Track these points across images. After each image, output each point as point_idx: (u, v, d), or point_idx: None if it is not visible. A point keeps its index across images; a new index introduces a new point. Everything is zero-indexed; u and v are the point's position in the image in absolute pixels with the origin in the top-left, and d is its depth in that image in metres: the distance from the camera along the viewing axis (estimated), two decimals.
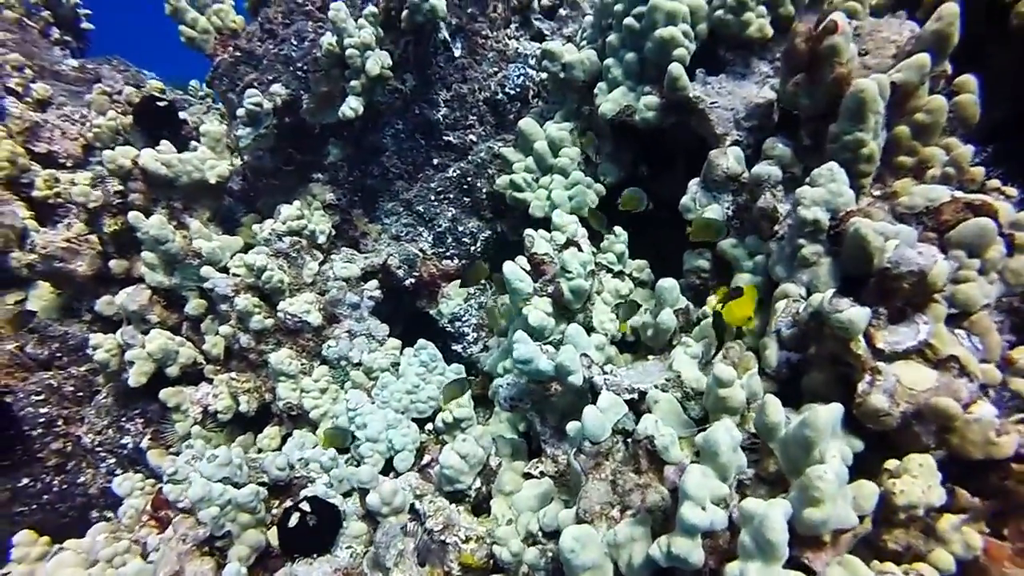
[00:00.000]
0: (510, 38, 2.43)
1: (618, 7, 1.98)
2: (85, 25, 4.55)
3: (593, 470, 1.44)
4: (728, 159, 1.78)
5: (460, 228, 2.38)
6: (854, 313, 1.32)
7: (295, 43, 2.22)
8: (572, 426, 1.46)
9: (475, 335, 2.29)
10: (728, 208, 1.80)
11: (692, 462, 1.36)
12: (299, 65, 2.22)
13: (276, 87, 2.22)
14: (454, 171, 2.37)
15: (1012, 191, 1.62)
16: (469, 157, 2.36)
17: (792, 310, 1.55)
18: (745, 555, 1.14)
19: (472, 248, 2.40)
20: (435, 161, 2.38)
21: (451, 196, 2.38)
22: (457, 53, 2.32)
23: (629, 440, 1.45)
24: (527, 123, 2.15)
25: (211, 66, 2.39)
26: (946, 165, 1.66)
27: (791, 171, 1.76)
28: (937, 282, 1.34)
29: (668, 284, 1.73)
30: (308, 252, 2.23)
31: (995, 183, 1.63)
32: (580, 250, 1.81)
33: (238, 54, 2.30)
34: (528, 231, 1.90)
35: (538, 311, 1.78)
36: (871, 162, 1.61)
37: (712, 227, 1.75)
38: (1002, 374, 1.48)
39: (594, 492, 1.41)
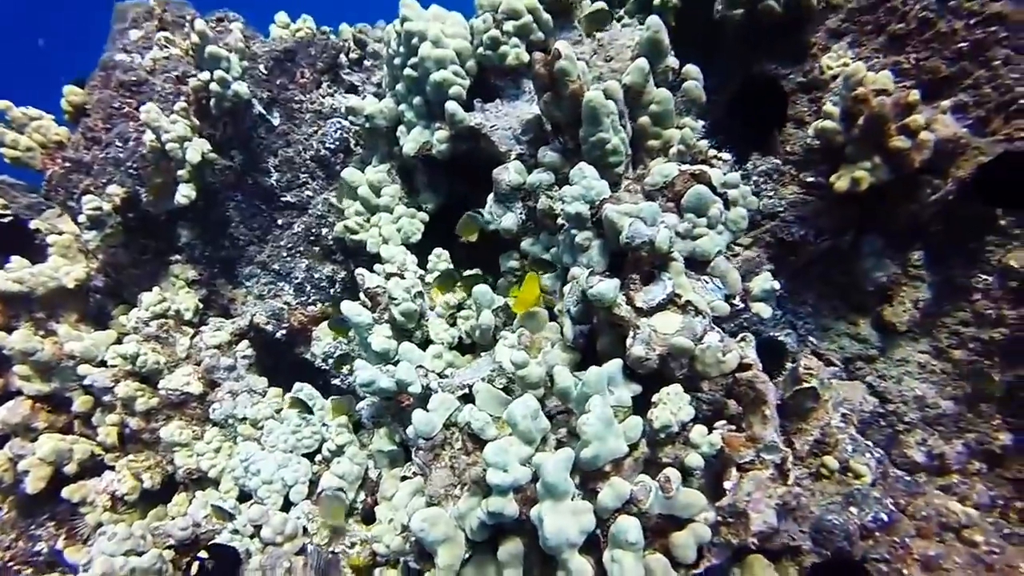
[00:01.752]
0: (324, 96, 2.68)
1: (397, 60, 2.27)
2: None
3: (433, 461, 1.71)
4: (509, 173, 2.08)
5: (316, 275, 2.61)
6: (602, 287, 1.64)
7: (120, 145, 2.40)
8: (409, 430, 1.73)
9: (348, 367, 2.53)
10: (521, 214, 2.11)
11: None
12: (129, 164, 2.40)
13: (112, 188, 2.39)
14: (299, 226, 2.60)
15: (726, 155, 1.99)
16: (309, 211, 2.60)
17: (575, 289, 1.87)
18: (540, 498, 1.44)
19: (332, 290, 2.64)
20: (279, 221, 2.61)
21: (301, 249, 2.61)
22: (276, 122, 2.55)
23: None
24: (348, 173, 2.41)
25: (43, 179, 2.53)
26: (680, 143, 2.02)
27: (563, 172, 2.08)
28: (663, 246, 1.67)
29: (481, 290, 2.03)
30: (177, 330, 2.41)
31: (713, 152, 1.99)
32: (403, 278, 2.08)
33: (68, 164, 2.45)
34: (358, 270, 2.16)
35: (379, 337, 2.04)
36: (617, 154, 1.95)
37: (471, 225, 2.09)
38: (743, 303, 1.86)
39: (438, 479, 1.69)
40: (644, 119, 2.09)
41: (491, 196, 2.15)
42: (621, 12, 2.61)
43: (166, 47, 2.49)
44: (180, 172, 2.28)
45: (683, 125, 2.13)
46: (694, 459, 1.53)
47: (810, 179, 2.17)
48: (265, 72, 2.55)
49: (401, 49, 2.22)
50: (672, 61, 2.18)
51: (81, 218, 2.37)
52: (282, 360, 2.65)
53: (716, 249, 1.82)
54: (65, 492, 2.31)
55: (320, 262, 2.63)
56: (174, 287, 2.57)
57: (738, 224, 1.87)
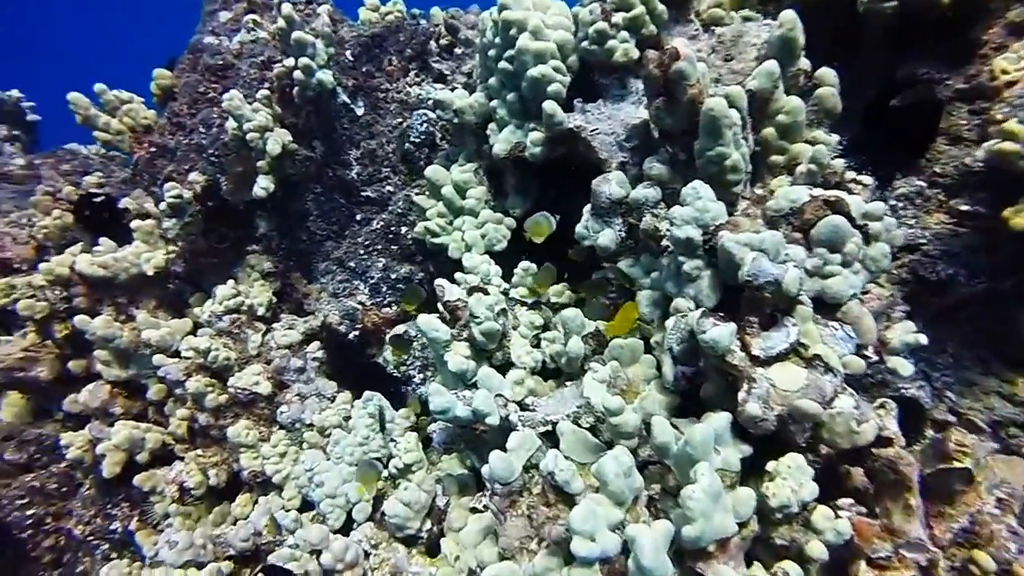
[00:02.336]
0: (410, 85, 2.52)
1: (492, 52, 2.07)
2: (31, 117, 4.70)
3: (509, 508, 1.54)
4: (611, 185, 1.86)
5: (393, 276, 2.49)
6: (717, 333, 1.41)
7: (203, 131, 2.33)
8: (484, 470, 1.57)
9: (421, 376, 2.40)
10: (620, 231, 1.89)
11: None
12: (211, 151, 2.33)
13: (194, 175, 2.33)
14: (377, 223, 2.47)
15: (867, 179, 1.70)
16: (389, 207, 2.46)
17: (681, 326, 1.64)
18: None
19: None
20: (358, 217, 2.49)
21: (379, 247, 2.48)
22: (360, 112, 2.41)
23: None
24: (432, 171, 2.25)
25: (131, 163, 2.51)
26: (810, 161, 1.74)
27: (672, 186, 1.84)
28: (792, 289, 1.43)
29: (571, 314, 1.83)
30: (249, 326, 2.35)
31: (851, 175, 1.70)
32: (486, 293, 1.91)
33: (153, 149, 2.41)
34: (438, 281, 2.00)
35: (457, 356, 1.88)
36: (737, 171, 1.70)
37: (542, 227, 1.97)
38: (876, 355, 1.59)
39: (512, 528, 1.52)
40: (769, 130, 1.82)
41: (587, 208, 1.94)
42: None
43: (254, 30, 2.39)
44: (260, 163, 2.19)
45: (814, 139, 1.84)
46: (816, 548, 1.29)
47: (964, 207, 1.83)
48: (351, 59, 2.41)
49: (497, 40, 2.02)
50: (804, 63, 1.89)
51: (162, 205, 2.33)
52: (352, 361, 2.55)
53: (850, 292, 1.55)
54: (136, 480, 2.31)
55: (398, 262, 2.50)
56: (249, 278, 2.51)
57: (879, 263, 1.59)
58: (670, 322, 1.67)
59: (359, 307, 2.49)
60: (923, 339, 1.59)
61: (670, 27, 2.10)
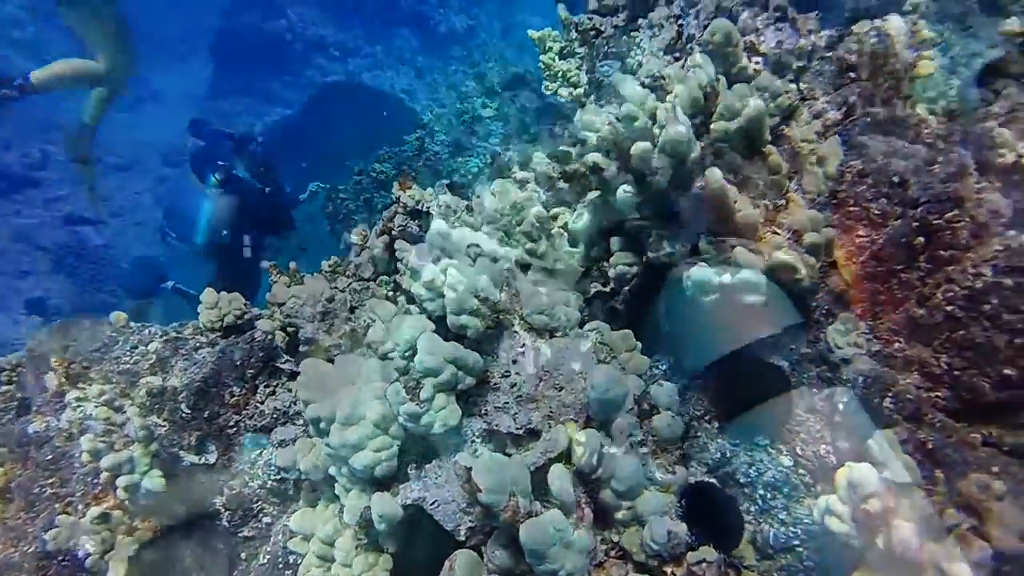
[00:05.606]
0: (261, 402, 2.39)
1: (310, 434, 1.94)
2: None
3: None
4: None
5: None
6: None
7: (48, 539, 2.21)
8: None
9: None
10: None
11: None
12: (60, 558, 2.21)
13: None
14: (264, 556, 2.37)
15: (711, 554, 1.58)
16: (271, 539, 2.36)
17: None
18: None
19: None
20: (243, 555, 2.39)
21: None
22: (212, 460, 2.29)
23: None
24: (297, 523, 2.13)
25: None
26: (651, 539, 1.63)
27: (519, 571, 1.74)
28: None
29: None
30: None
31: (692, 557, 1.59)
32: None
33: None
34: None
35: None
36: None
37: None
38: None
39: None
40: (607, 494, 1.71)
41: None
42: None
43: (79, 406, 2.25)
44: None
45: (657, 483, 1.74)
46: None
47: None
48: (189, 411, 2.27)
49: (310, 430, 1.89)
50: (633, 388, 1.78)
51: None
52: None
53: None
54: None
55: None
56: None
57: None
58: None
59: None
60: None
61: (496, 344, 1.96)
